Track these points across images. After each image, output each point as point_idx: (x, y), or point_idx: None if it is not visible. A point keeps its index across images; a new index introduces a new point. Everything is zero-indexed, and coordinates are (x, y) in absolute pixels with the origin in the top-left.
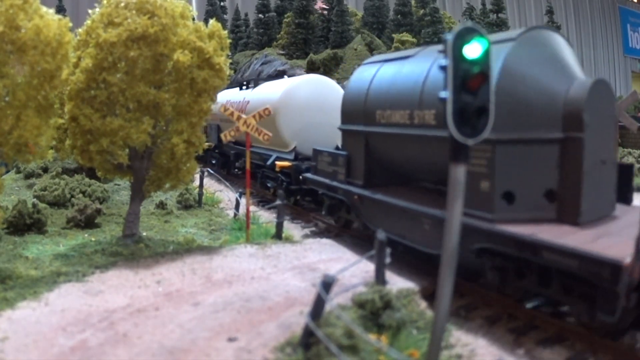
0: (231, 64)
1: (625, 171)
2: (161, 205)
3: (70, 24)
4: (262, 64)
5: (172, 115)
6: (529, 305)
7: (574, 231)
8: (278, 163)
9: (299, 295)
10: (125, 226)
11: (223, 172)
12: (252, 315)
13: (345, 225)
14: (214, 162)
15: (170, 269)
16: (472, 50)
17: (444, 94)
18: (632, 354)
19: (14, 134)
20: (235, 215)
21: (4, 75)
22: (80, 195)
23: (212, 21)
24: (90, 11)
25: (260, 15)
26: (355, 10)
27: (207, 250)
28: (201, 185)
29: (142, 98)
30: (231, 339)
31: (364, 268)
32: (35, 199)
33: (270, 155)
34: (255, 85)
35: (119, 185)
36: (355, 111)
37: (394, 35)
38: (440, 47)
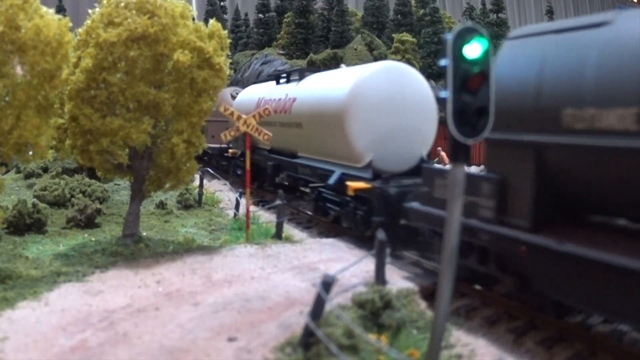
0: (231, 64)
1: None
2: (161, 205)
3: (70, 24)
4: (262, 64)
5: (172, 115)
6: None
7: None
8: (352, 184)
9: (299, 295)
10: (125, 226)
11: (253, 185)
12: (252, 315)
13: (482, 281)
14: (239, 172)
15: (170, 269)
16: (472, 50)
17: (444, 94)
18: (632, 353)
19: (14, 134)
20: (235, 215)
21: (4, 75)
22: (80, 195)
23: (212, 21)
24: (90, 11)
25: (260, 15)
26: (355, 10)
27: (207, 250)
28: (201, 185)
29: (142, 98)
30: (231, 339)
31: (364, 268)
32: (35, 199)
33: (332, 171)
34: (302, 78)
35: (119, 185)
36: (517, 110)
37: (394, 35)
38: None
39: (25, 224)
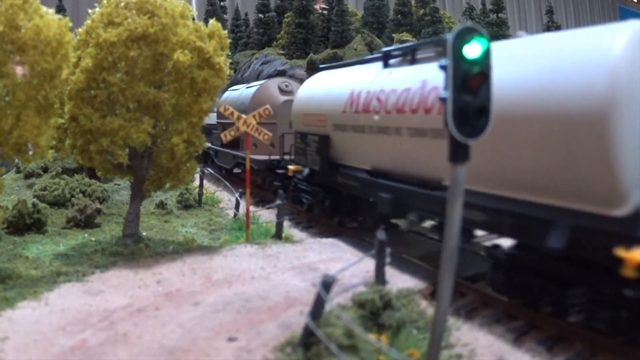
0: (231, 64)
1: None
2: (161, 205)
3: (70, 24)
4: (262, 63)
5: (172, 115)
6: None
7: None
8: None
9: (299, 295)
10: (125, 226)
11: (333, 221)
12: (252, 315)
13: None
14: (304, 200)
15: (170, 268)
16: (472, 50)
17: (444, 94)
18: (632, 354)
19: (14, 133)
20: (235, 215)
21: (4, 75)
22: (80, 195)
23: (212, 21)
24: (90, 11)
25: (260, 15)
26: (355, 10)
27: (207, 250)
28: (201, 185)
29: (142, 98)
30: (231, 339)
31: (364, 268)
32: (35, 199)
33: (547, 222)
34: (408, 57)
35: (119, 185)
36: None
37: (394, 35)
38: None
39: (25, 224)
